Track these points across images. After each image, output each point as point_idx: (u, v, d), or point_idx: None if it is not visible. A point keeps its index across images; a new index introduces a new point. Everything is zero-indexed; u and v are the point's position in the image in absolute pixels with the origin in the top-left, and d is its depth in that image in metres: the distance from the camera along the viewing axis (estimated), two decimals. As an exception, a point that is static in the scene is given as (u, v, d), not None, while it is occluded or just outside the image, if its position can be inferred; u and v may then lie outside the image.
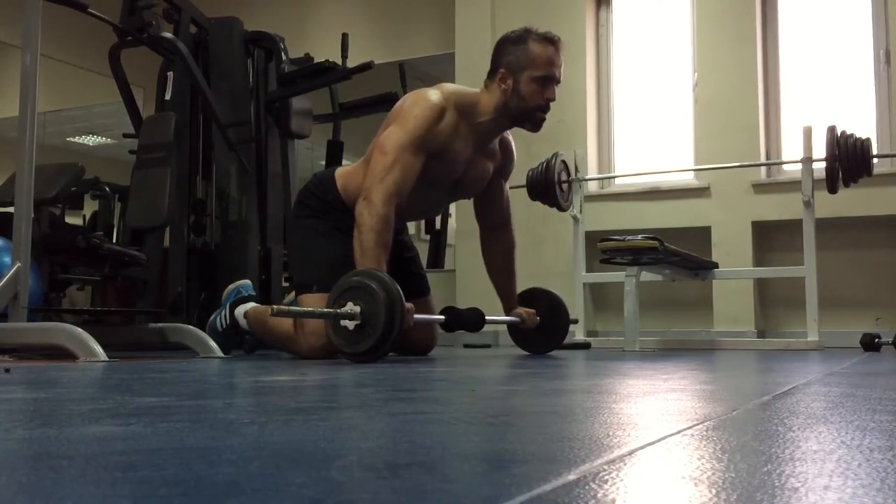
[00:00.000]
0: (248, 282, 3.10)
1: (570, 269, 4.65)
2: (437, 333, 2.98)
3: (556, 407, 1.08)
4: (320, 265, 2.66)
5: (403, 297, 2.25)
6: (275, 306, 2.26)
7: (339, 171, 2.82)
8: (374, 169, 2.48)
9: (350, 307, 2.24)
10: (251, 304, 2.90)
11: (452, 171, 2.64)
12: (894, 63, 4.58)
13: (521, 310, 2.95)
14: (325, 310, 2.27)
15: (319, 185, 2.80)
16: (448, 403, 1.12)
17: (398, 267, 2.83)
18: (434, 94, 2.56)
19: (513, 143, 2.87)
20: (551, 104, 2.66)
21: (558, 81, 2.63)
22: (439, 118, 2.53)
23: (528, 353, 3.07)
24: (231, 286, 3.05)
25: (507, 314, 3.00)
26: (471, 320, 2.76)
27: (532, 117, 2.64)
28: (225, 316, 2.92)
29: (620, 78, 5.34)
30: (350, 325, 2.23)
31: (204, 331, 2.81)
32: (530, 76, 2.58)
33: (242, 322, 2.86)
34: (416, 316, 2.41)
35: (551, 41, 2.63)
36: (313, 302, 2.55)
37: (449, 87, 2.67)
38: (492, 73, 2.66)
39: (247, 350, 3.00)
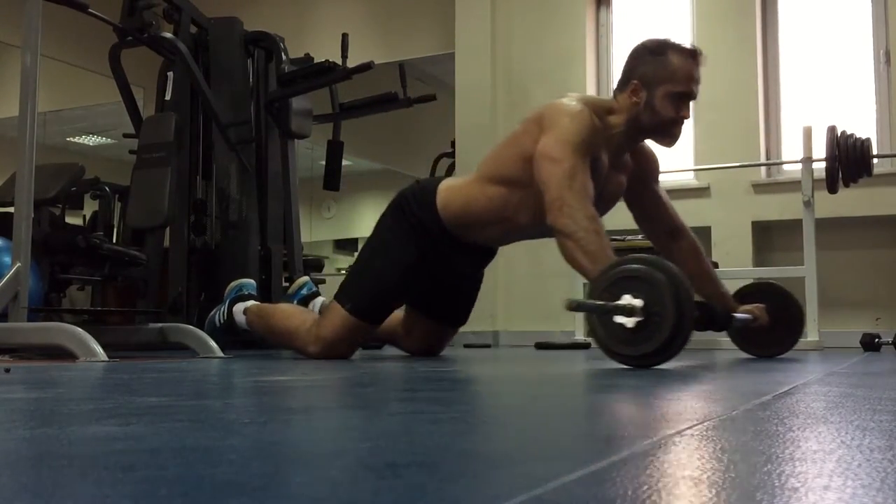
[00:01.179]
0: (251, 281, 3.08)
1: (571, 269, 4.64)
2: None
3: (556, 407, 1.08)
4: (368, 287, 2.57)
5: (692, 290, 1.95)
6: (572, 300, 2.02)
7: (443, 185, 2.60)
8: (553, 179, 2.20)
9: (628, 300, 1.89)
10: (251, 302, 2.89)
11: (596, 185, 2.35)
12: (894, 63, 4.58)
13: (749, 306, 2.60)
14: (611, 303, 1.90)
15: (419, 196, 2.59)
16: (448, 403, 1.12)
17: (465, 286, 2.78)
18: (575, 101, 2.35)
19: (647, 144, 2.60)
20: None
21: (695, 98, 2.40)
22: (592, 122, 2.31)
23: (754, 357, 2.74)
24: (234, 283, 3.04)
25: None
26: (723, 318, 2.43)
27: (667, 132, 2.41)
28: (224, 312, 2.91)
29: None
30: (629, 322, 1.88)
31: (204, 331, 2.81)
32: (666, 91, 2.33)
33: (240, 319, 2.85)
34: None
35: (693, 54, 2.37)
36: (336, 316, 2.53)
37: (579, 95, 2.46)
38: (623, 84, 2.40)
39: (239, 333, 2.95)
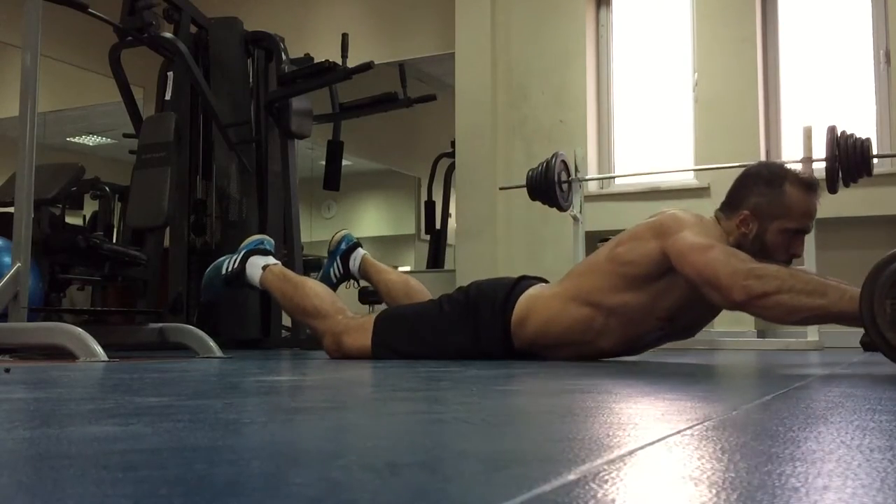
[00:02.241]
0: (271, 239, 2.93)
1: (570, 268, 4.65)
2: None
3: (556, 407, 1.08)
4: (412, 341, 2.46)
5: None
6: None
7: (526, 296, 2.39)
8: (717, 261, 1.99)
9: None
10: (274, 261, 2.76)
11: (695, 305, 2.22)
12: (894, 63, 4.58)
13: None
14: None
15: (500, 302, 2.39)
16: (448, 403, 1.12)
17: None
18: (685, 214, 2.20)
19: None
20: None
21: (809, 232, 2.22)
22: (713, 230, 2.16)
23: None
24: (255, 236, 2.91)
25: None
26: None
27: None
28: (236, 261, 2.75)
29: (620, 78, 5.34)
30: None
31: (204, 331, 2.80)
32: (781, 227, 2.14)
33: (254, 273, 2.70)
34: None
35: (812, 188, 2.17)
36: (364, 343, 2.46)
37: (683, 212, 2.27)
38: (731, 210, 2.21)
39: (204, 300, 2.83)
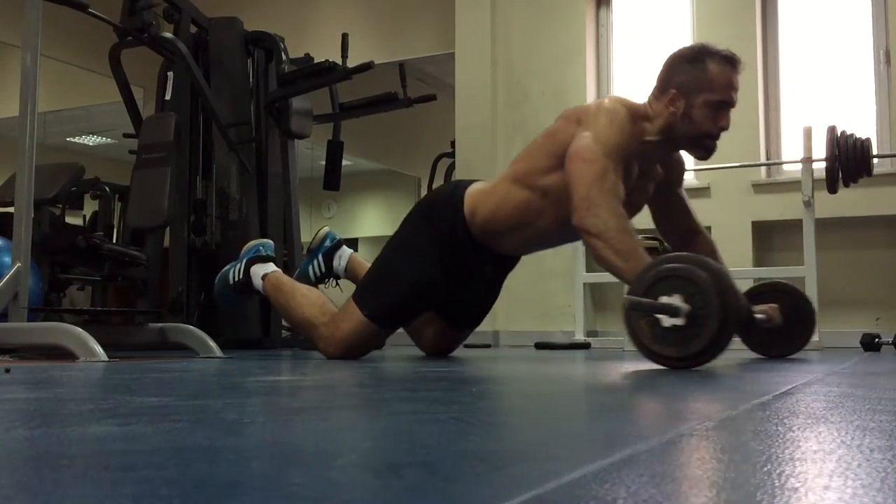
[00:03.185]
0: (270, 242, 2.94)
1: (570, 268, 4.65)
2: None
3: (556, 407, 1.08)
4: (386, 291, 2.52)
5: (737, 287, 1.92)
6: (630, 297, 1.91)
7: (471, 190, 2.52)
8: (583, 178, 2.16)
9: (672, 300, 1.84)
10: (273, 269, 2.77)
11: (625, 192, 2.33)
12: (894, 63, 4.59)
13: (764, 307, 2.57)
14: (657, 301, 1.86)
15: (450, 203, 2.52)
16: (448, 403, 1.12)
17: (483, 294, 2.71)
18: (616, 104, 2.31)
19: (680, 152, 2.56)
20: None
21: (734, 106, 2.34)
22: (630, 127, 2.26)
23: (761, 356, 2.74)
24: (253, 242, 2.93)
25: None
26: (745, 320, 2.38)
27: (702, 144, 2.33)
28: (240, 270, 2.79)
29: (620, 78, 5.34)
30: (674, 322, 1.84)
31: (204, 331, 2.80)
32: (706, 100, 2.27)
33: (257, 283, 2.73)
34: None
35: (731, 62, 2.33)
36: (352, 316, 2.49)
37: (619, 97, 2.40)
38: (659, 92, 2.34)
39: (223, 308, 2.87)
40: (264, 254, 2.82)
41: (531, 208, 2.37)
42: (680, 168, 2.60)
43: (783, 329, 2.60)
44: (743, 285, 4.66)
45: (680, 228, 2.62)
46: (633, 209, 2.42)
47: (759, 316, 2.53)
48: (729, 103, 2.31)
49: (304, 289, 2.72)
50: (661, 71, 2.37)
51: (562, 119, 2.36)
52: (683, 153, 2.54)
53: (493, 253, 2.54)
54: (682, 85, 2.28)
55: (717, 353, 1.87)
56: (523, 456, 0.65)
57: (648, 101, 2.35)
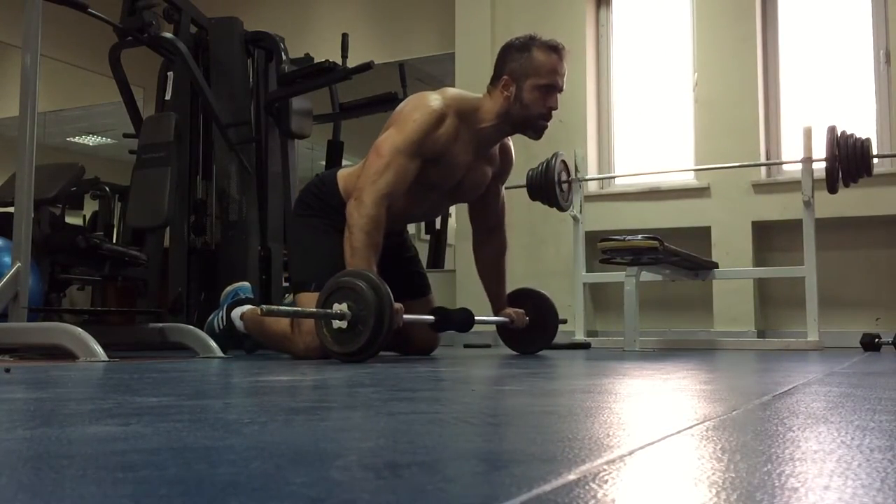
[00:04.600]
0: (247, 284, 3.12)
1: (570, 269, 4.65)
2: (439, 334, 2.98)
3: (556, 407, 1.08)
4: (318, 264, 2.67)
5: (392, 297, 2.26)
6: (264, 306, 2.25)
7: (341, 173, 2.81)
8: (367, 170, 2.49)
9: (339, 307, 2.27)
10: (248, 307, 2.92)
11: (451, 176, 2.64)
12: (894, 63, 4.58)
13: (510, 310, 2.96)
14: (314, 309, 2.29)
15: (321, 186, 2.80)
16: (448, 403, 1.12)
17: (398, 267, 2.85)
18: (435, 100, 2.55)
19: (512, 148, 2.87)
20: (553, 112, 2.65)
21: (561, 90, 2.61)
22: (438, 124, 2.52)
23: (517, 353, 3.08)
24: (229, 287, 3.08)
25: (496, 315, 3.01)
26: (460, 320, 2.76)
27: (534, 125, 2.62)
28: (222, 317, 2.95)
29: (620, 78, 5.34)
30: (341, 324, 2.26)
31: (204, 331, 2.81)
32: (533, 84, 2.56)
33: (238, 324, 2.88)
34: (405, 316, 2.43)
35: (555, 49, 2.59)
36: (310, 301, 2.55)
37: (451, 91, 2.66)
38: (494, 80, 2.64)
39: (247, 350, 3.01)
40: (242, 297, 3.01)
41: None
42: (509, 162, 2.87)
43: (528, 330, 3.00)
44: (744, 285, 4.68)
45: (486, 222, 2.95)
46: (469, 190, 2.75)
47: (500, 318, 2.96)
48: (555, 87, 2.58)
49: None
50: (496, 61, 2.66)
51: (396, 110, 2.63)
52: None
53: None
54: (512, 71, 2.58)
55: (374, 353, 2.27)
56: (523, 456, 0.65)
57: (487, 90, 2.64)
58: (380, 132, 2.65)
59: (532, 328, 3.01)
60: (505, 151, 2.81)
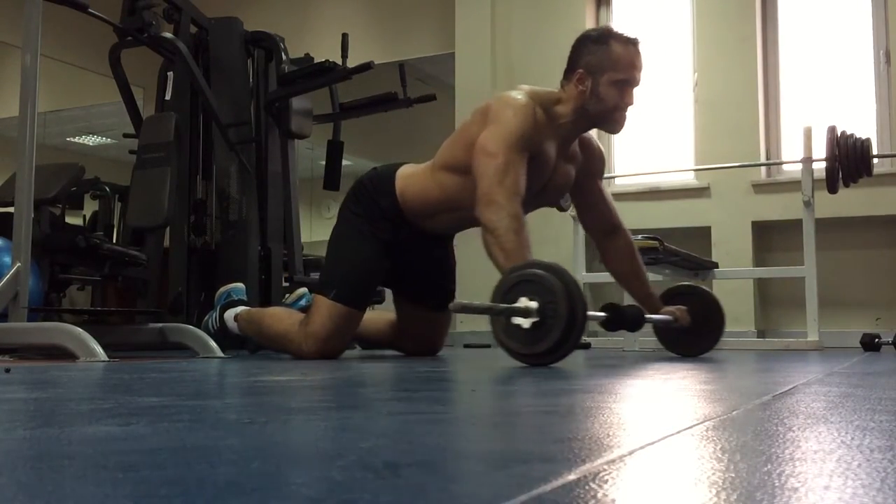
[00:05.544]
0: (240, 285, 3.11)
1: (570, 269, 4.64)
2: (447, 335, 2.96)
3: (556, 407, 1.08)
4: (348, 272, 2.62)
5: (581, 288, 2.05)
6: (458, 301, 2.07)
7: (401, 172, 2.64)
8: (485, 173, 2.28)
9: (524, 302, 2.00)
10: (241, 308, 2.92)
11: (541, 176, 2.46)
12: (894, 63, 4.58)
13: (671, 308, 2.69)
14: (504, 305, 2.02)
15: (376, 181, 2.66)
16: (448, 403, 1.12)
17: (430, 276, 2.80)
18: (520, 95, 2.42)
19: (595, 139, 2.69)
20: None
21: (637, 84, 2.47)
22: (533, 116, 2.36)
23: (678, 357, 2.80)
24: (223, 288, 3.07)
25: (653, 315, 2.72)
26: (632, 319, 2.53)
27: (611, 118, 2.47)
28: (216, 318, 2.95)
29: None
30: (525, 323, 1.99)
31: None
32: (610, 79, 2.40)
33: (232, 325, 2.88)
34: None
35: (633, 42, 2.44)
36: (325, 307, 2.56)
37: (527, 87, 2.51)
38: (568, 73, 2.46)
39: (251, 350, 3.02)
40: (235, 298, 2.98)
41: (465, 192, 2.42)
42: (599, 159, 2.71)
43: (692, 330, 2.72)
44: (744, 285, 4.68)
45: (603, 223, 2.74)
46: (554, 192, 2.60)
47: (664, 317, 2.66)
48: (632, 82, 2.44)
49: (272, 310, 2.95)
50: (570, 53, 2.48)
51: (475, 112, 2.47)
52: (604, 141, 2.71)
53: (422, 231, 2.66)
54: (588, 64, 2.41)
55: (566, 353, 2.03)
56: (523, 456, 0.65)
57: (561, 85, 2.48)
58: (450, 141, 2.54)
59: (695, 328, 2.72)
60: (586, 145, 2.63)
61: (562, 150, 2.50)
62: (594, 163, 2.67)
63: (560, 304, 1.97)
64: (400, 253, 2.66)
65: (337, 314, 2.56)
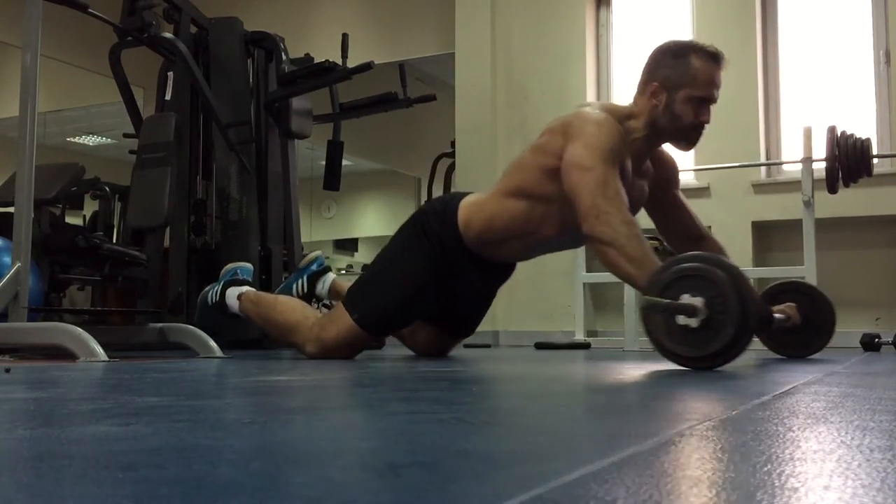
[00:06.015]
0: (249, 266, 3.02)
1: (570, 268, 4.65)
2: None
3: (556, 407, 1.08)
4: (382, 298, 2.52)
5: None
6: (649, 297, 1.89)
7: (465, 202, 2.52)
8: (585, 187, 2.15)
9: (689, 300, 1.83)
10: (247, 289, 2.83)
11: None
12: (894, 63, 4.58)
13: (782, 306, 2.57)
14: (668, 301, 1.85)
15: (441, 215, 2.52)
16: (448, 403, 1.12)
17: (467, 306, 2.71)
18: (598, 110, 2.33)
19: (667, 151, 2.57)
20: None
21: (715, 102, 2.32)
22: (618, 130, 2.26)
23: (784, 358, 2.68)
24: (231, 265, 3.00)
25: None
26: (765, 320, 2.36)
27: (686, 136, 2.35)
28: (217, 292, 2.86)
29: (620, 78, 5.33)
30: (693, 322, 1.82)
31: (204, 331, 2.80)
32: (687, 95, 2.26)
33: (232, 303, 2.79)
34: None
35: (716, 58, 2.29)
36: (344, 322, 2.49)
37: (598, 103, 2.39)
38: (642, 86, 2.34)
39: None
40: (241, 277, 2.92)
41: (533, 217, 2.38)
42: (672, 168, 2.61)
43: (802, 329, 2.58)
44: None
45: (685, 232, 2.60)
46: (632, 208, 2.39)
47: (778, 316, 2.49)
48: (710, 99, 2.31)
49: (284, 298, 2.82)
50: (646, 64, 2.36)
51: (547, 133, 2.37)
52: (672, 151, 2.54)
53: (488, 262, 2.56)
54: (665, 79, 2.29)
55: (734, 357, 1.86)
56: (523, 456, 0.65)
57: (633, 98, 2.36)
58: (517, 163, 2.45)
59: (805, 326, 2.58)
60: (656, 155, 2.50)
61: (636, 165, 2.37)
62: (667, 172, 2.57)
63: (729, 297, 1.80)
64: (450, 288, 2.55)
65: (353, 335, 2.50)
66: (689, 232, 2.60)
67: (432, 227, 2.52)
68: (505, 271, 2.72)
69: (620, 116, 2.31)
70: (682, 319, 1.83)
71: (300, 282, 3.03)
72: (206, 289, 2.94)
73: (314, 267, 3.06)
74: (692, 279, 1.85)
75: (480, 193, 2.57)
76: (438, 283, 2.52)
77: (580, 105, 2.39)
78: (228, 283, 2.88)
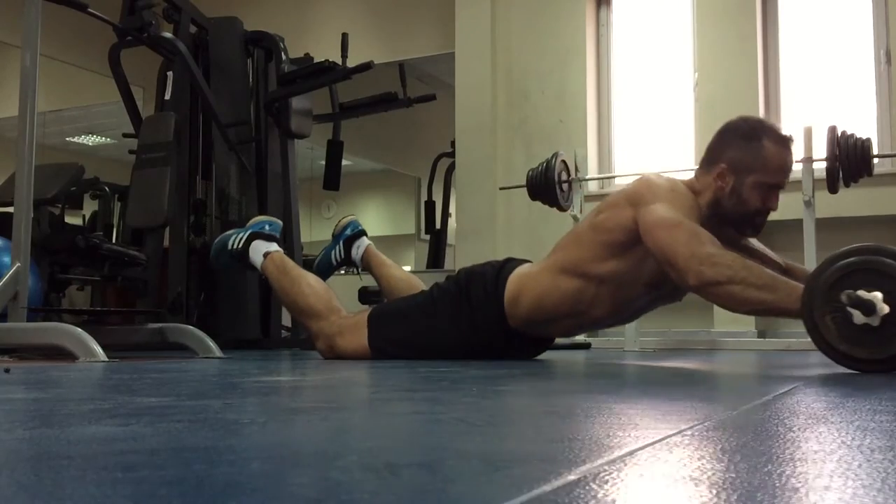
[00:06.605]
0: (279, 222, 2.90)
1: (570, 269, 4.65)
2: None
3: (556, 407, 1.08)
4: (412, 345, 2.44)
5: None
6: (850, 291, 1.70)
7: (515, 275, 2.38)
8: (676, 241, 2.00)
9: (868, 295, 1.65)
10: (276, 248, 2.72)
11: None
12: (895, 63, 4.58)
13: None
14: (850, 292, 1.68)
15: (493, 281, 2.39)
16: (448, 403, 1.12)
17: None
18: (663, 179, 2.22)
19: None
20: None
21: (783, 188, 2.22)
22: (691, 196, 2.17)
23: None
24: (262, 217, 2.90)
25: None
26: None
27: (751, 222, 2.23)
28: (241, 239, 2.73)
29: (620, 78, 5.34)
30: (874, 320, 1.64)
31: (204, 331, 2.80)
32: (757, 181, 2.16)
33: (255, 258, 2.69)
34: None
35: (787, 143, 2.20)
36: (361, 346, 2.45)
37: (655, 174, 2.30)
38: (708, 164, 2.23)
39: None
40: (268, 231, 2.77)
41: (585, 296, 2.27)
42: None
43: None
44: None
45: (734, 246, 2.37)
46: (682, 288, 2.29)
47: None
48: (780, 187, 2.21)
49: (311, 278, 2.67)
50: (713, 142, 2.26)
51: (608, 208, 2.25)
52: None
53: (531, 338, 2.46)
54: (733, 161, 2.17)
55: None
56: (523, 456, 0.64)
57: (696, 174, 2.26)
58: (571, 238, 2.36)
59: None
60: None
61: None
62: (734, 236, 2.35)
63: None
64: (476, 351, 2.43)
65: (364, 353, 2.46)
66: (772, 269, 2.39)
67: (478, 293, 2.39)
68: (544, 344, 2.60)
69: (687, 187, 2.21)
70: (858, 318, 1.65)
71: (337, 248, 2.97)
72: (229, 232, 2.83)
73: (348, 231, 2.98)
74: (860, 274, 1.69)
75: (531, 266, 2.43)
76: (467, 348, 2.43)
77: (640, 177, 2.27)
78: (255, 234, 2.74)
